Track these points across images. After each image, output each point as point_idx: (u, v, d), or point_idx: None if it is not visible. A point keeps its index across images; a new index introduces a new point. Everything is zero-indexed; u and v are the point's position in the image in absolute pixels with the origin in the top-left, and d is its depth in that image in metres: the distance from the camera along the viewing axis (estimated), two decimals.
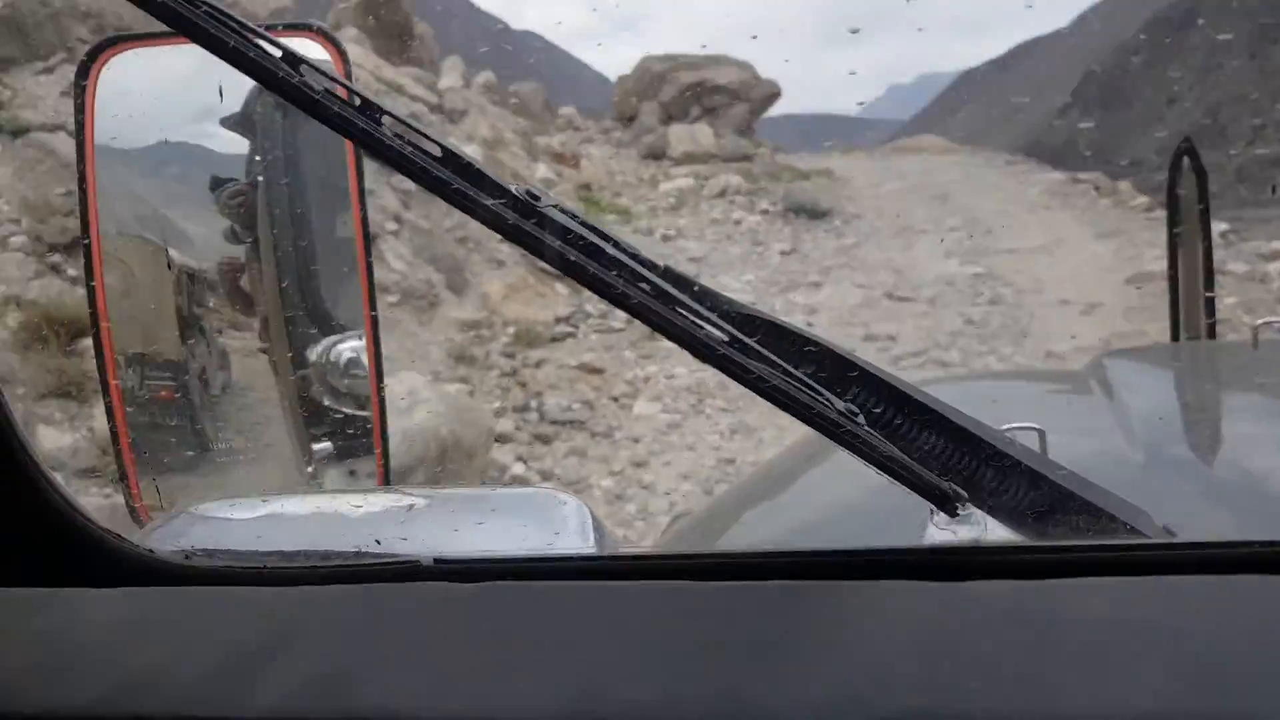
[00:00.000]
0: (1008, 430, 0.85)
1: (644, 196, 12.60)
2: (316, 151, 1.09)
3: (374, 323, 1.15)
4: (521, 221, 0.60)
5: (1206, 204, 1.70)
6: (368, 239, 1.09)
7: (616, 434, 6.73)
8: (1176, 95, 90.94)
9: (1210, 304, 1.67)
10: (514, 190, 0.60)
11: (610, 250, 0.61)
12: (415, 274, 8.18)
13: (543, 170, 11.69)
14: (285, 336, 1.18)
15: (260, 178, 1.13)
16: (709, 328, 0.60)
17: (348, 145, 1.02)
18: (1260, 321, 1.32)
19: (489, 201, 0.60)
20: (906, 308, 8.96)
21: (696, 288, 0.68)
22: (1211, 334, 1.71)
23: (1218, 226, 8.89)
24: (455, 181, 0.60)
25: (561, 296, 8.65)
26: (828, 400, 0.61)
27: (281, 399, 1.25)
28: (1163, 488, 1.02)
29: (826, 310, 9.01)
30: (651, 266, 0.63)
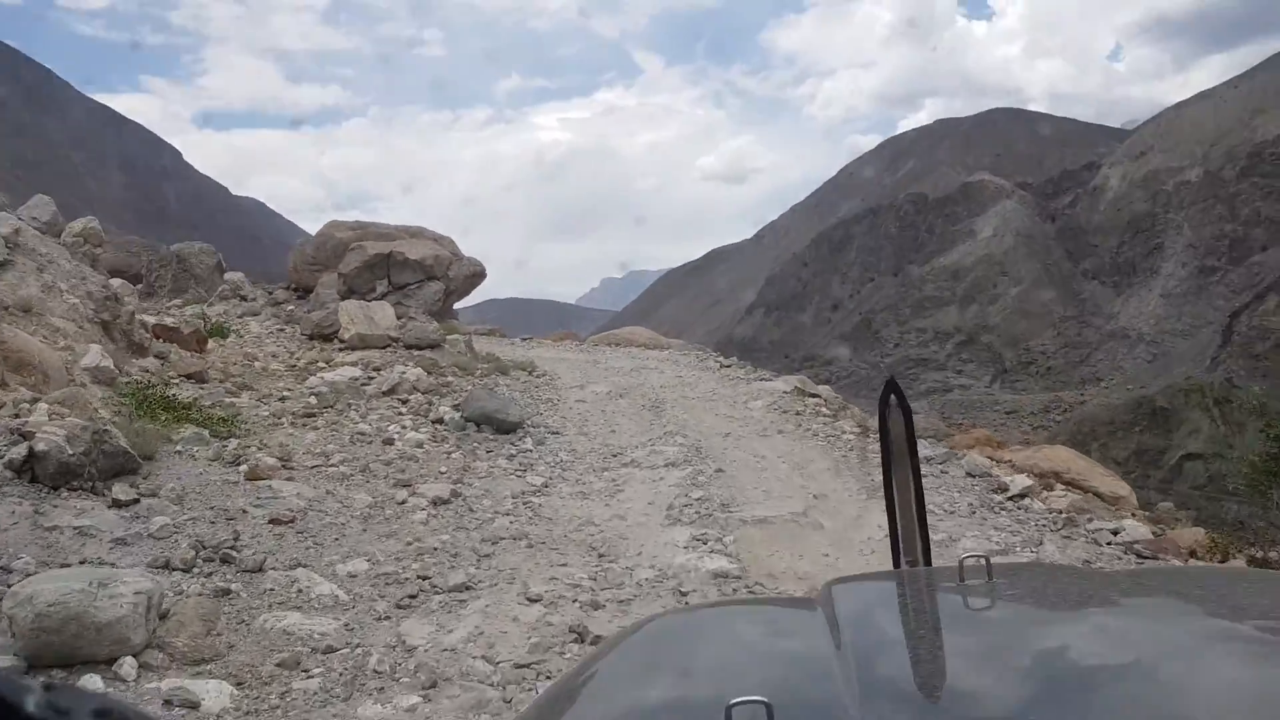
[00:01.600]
0: (736, 705, 0.92)
1: (278, 392, 9.67)
2: None
3: None
4: None
5: (913, 437, 1.74)
6: None
7: None
8: (839, 301, 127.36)
9: (924, 530, 1.75)
10: None
11: None
12: None
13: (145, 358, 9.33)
14: None
15: None
16: None
17: None
18: (965, 555, 1.39)
19: None
20: (608, 622, 5.17)
21: None
22: (928, 560, 1.77)
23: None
24: None
25: None
26: None
27: None
28: None
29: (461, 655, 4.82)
30: None
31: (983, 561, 1.38)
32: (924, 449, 8.68)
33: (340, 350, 11.92)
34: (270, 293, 15.58)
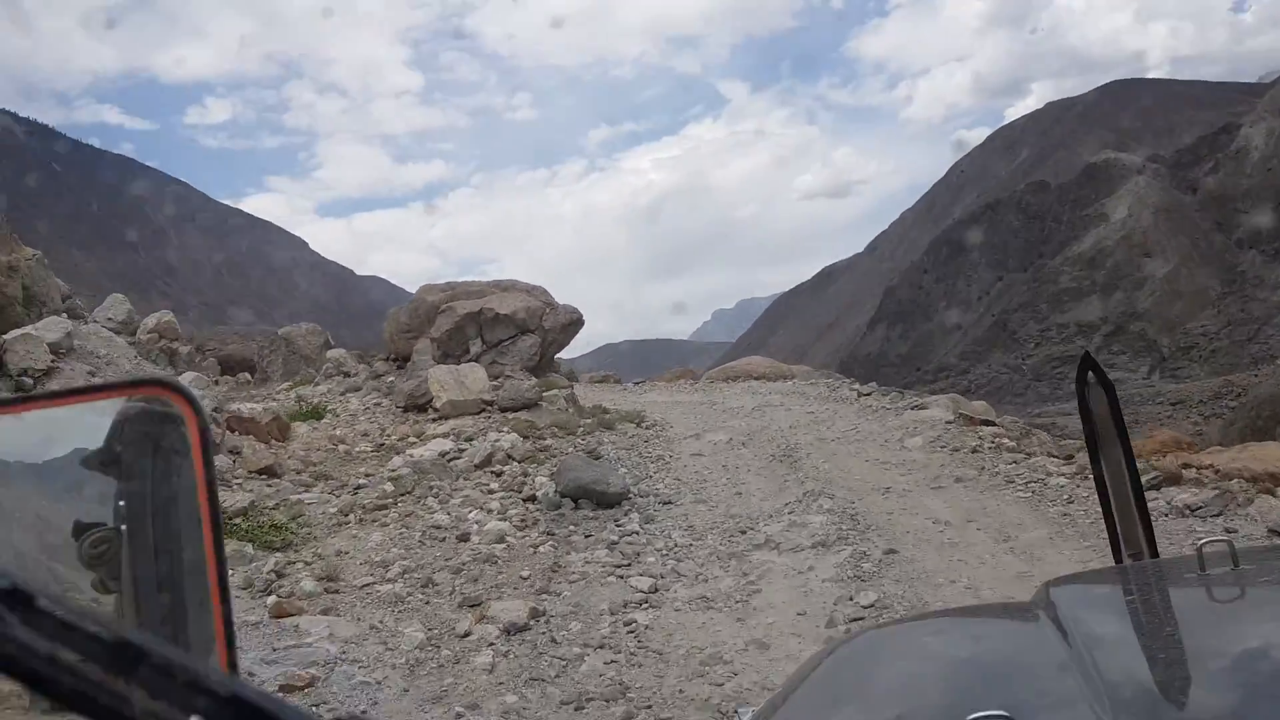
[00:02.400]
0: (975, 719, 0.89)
1: (356, 479, 8.69)
2: (185, 494, 0.94)
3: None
4: None
5: (1119, 415, 1.56)
6: (225, 589, 0.91)
7: None
8: (967, 304, 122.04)
9: (1146, 518, 1.59)
10: None
11: None
12: None
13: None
14: None
15: (124, 525, 1.00)
16: None
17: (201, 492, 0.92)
18: (1204, 540, 1.26)
19: None
20: None
21: None
22: (1153, 551, 1.60)
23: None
24: None
25: None
26: None
27: None
28: None
29: None
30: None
31: (1225, 547, 1.25)
32: (1185, 495, 6.60)
33: (433, 421, 11.05)
34: (370, 365, 15.00)
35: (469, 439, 9.94)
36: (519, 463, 9.06)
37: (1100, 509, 1.68)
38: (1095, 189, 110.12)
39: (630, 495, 7.89)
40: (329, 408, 12.51)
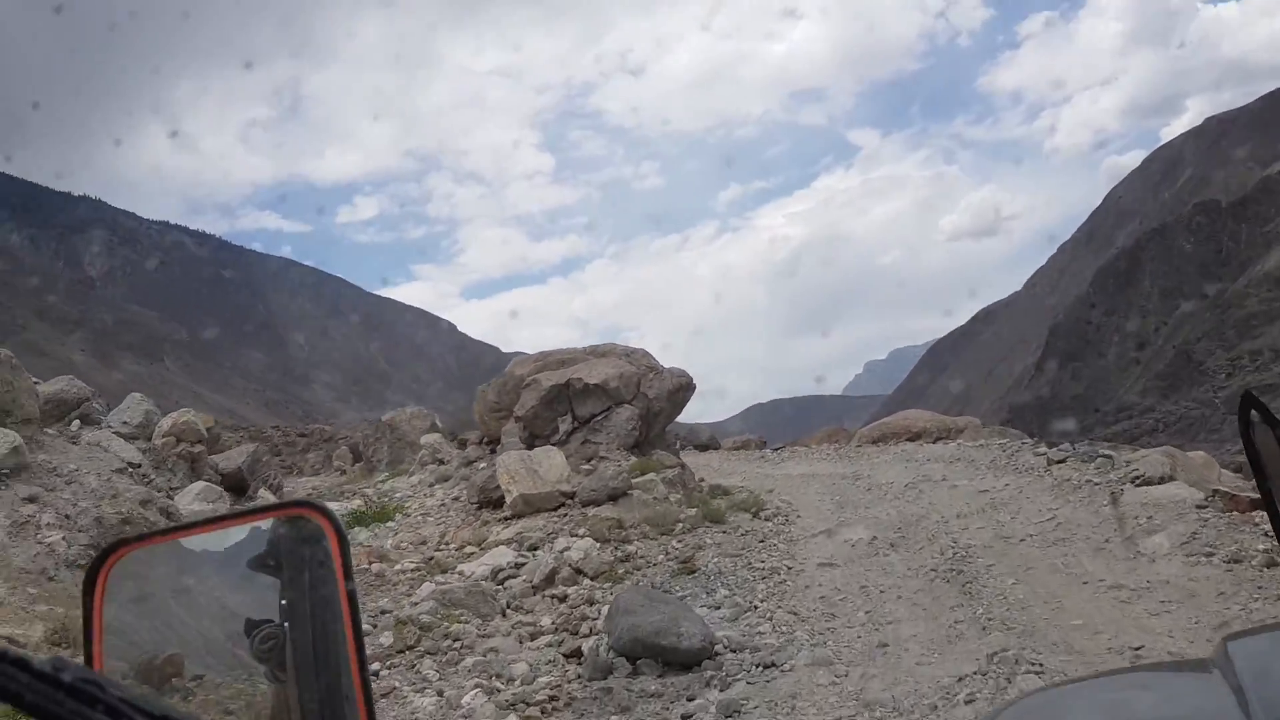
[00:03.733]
0: None
1: (368, 617, 6.57)
2: (332, 600, 1.05)
3: None
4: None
5: None
6: (366, 682, 1.03)
7: None
8: (1144, 338, 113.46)
9: None
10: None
11: None
12: None
13: None
14: None
15: (287, 622, 1.12)
16: None
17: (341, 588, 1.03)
18: None
19: None
20: None
21: None
22: None
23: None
24: None
25: None
26: None
27: None
28: None
29: None
30: None
31: None
32: None
33: (503, 520, 9.28)
34: (464, 450, 13.33)
35: (534, 547, 8.02)
36: (591, 579, 7.13)
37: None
38: (1274, 203, 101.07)
39: (716, 651, 5.46)
40: (407, 505, 10.92)
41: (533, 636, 6.17)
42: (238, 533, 1.22)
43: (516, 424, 11.90)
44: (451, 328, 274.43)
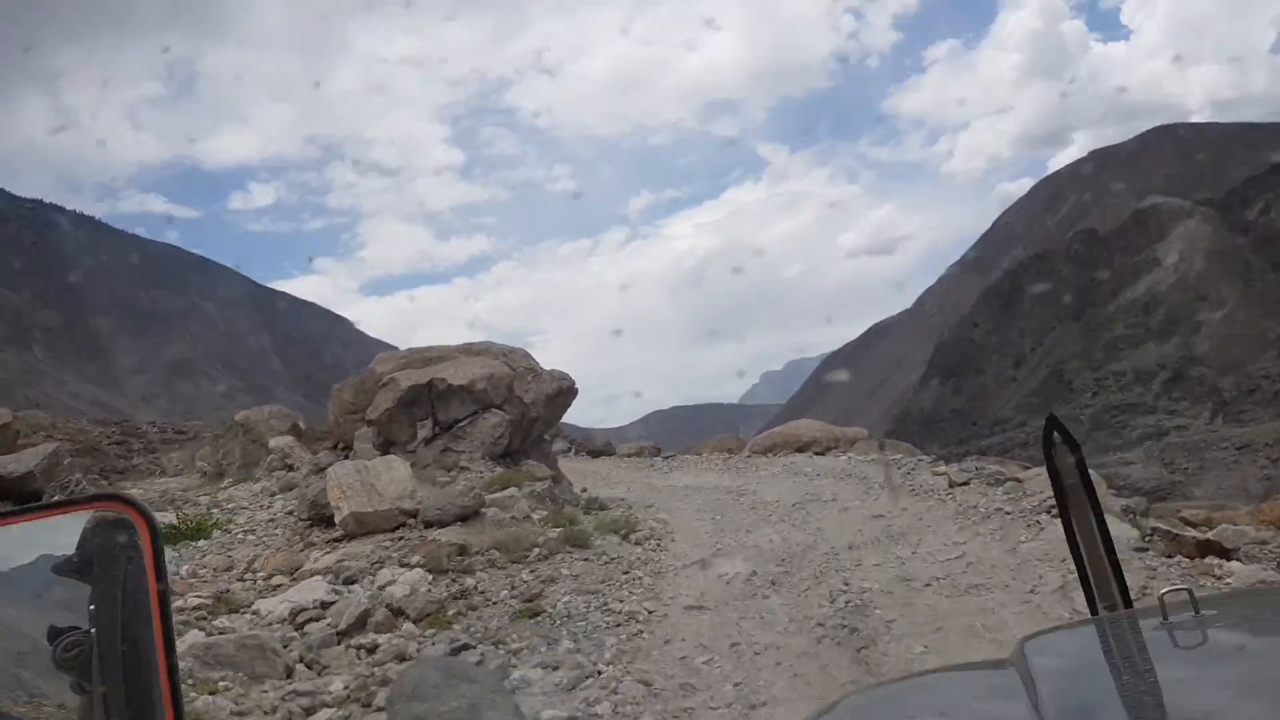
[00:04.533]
0: None
1: None
2: (142, 597, 1.02)
3: None
4: None
5: (1086, 473, 1.59)
6: (176, 688, 1.01)
7: None
8: (1020, 356, 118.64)
9: (1118, 571, 1.62)
10: None
11: None
12: None
13: None
14: None
15: (93, 629, 1.05)
16: None
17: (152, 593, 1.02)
18: (1165, 590, 1.27)
19: None
20: None
21: None
22: (1127, 602, 1.62)
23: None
24: None
25: None
26: None
27: None
28: None
29: None
30: None
31: (1186, 595, 1.31)
32: None
33: (331, 542, 7.87)
34: (315, 455, 11.85)
35: (351, 580, 6.63)
36: (414, 622, 5.87)
37: (1074, 566, 1.69)
38: (1145, 235, 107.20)
39: None
40: (234, 519, 9.59)
41: (309, 713, 4.80)
42: (40, 530, 1.16)
43: (370, 428, 10.63)
44: (349, 325, 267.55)
